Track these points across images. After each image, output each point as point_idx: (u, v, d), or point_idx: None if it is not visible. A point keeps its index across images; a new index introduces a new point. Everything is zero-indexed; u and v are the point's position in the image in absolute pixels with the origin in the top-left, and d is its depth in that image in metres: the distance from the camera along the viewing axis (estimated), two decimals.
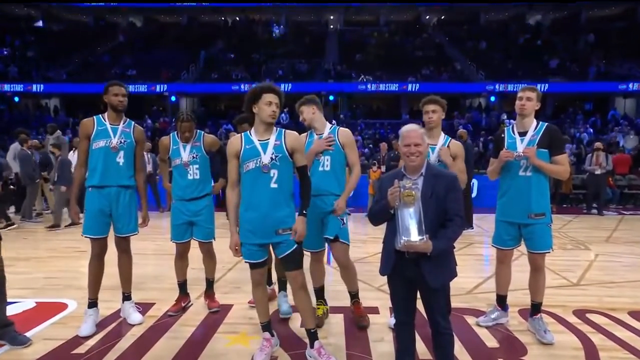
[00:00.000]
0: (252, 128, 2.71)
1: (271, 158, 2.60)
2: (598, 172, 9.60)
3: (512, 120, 15.29)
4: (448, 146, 3.18)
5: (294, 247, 2.66)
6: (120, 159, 3.25)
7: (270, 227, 2.61)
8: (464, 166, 3.25)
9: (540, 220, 3.06)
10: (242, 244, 2.67)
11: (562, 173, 3.06)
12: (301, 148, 2.72)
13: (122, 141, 3.27)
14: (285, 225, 2.62)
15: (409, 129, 2.31)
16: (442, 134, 3.24)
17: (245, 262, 2.72)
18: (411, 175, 2.29)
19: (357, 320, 3.32)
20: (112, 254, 3.39)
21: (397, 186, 2.17)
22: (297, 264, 2.68)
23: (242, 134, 2.72)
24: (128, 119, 3.39)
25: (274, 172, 2.59)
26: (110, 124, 3.28)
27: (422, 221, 2.13)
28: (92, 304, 3.29)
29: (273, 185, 2.58)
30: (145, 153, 10.05)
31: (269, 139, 2.64)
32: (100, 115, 3.33)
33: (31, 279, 4.53)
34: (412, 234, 2.13)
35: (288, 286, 3.30)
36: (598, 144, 10.09)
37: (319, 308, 3.39)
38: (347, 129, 3.30)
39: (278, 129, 2.70)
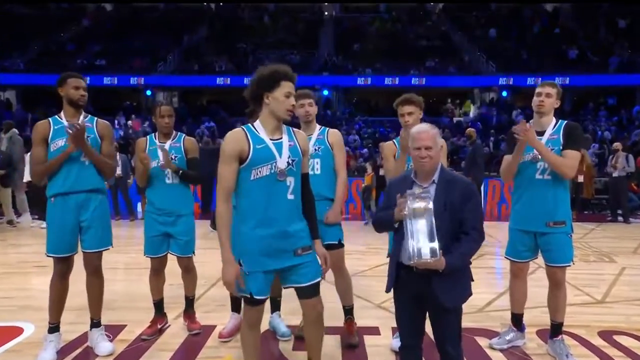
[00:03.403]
0: (256, 122, 2.41)
1: (288, 162, 2.34)
2: (616, 174, 9.68)
3: (523, 120, 15.37)
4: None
5: (320, 278, 2.44)
6: (86, 158, 3.16)
7: (288, 246, 2.34)
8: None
9: (560, 229, 3.06)
10: (251, 274, 2.33)
11: (564, 168, 3.00)
12: (308, 151, 2.56)
13: (85, 137, 3.15)
14: (303, 242, 2.37)
15: (420, 130, 2.29)
16: None
17: (242, 296, 2.38)
18: (422, 182, 2.28)
19: (346, 338, 3.34)
20: (78, 269, 3.32)
21: (405, 198, 2.14)
22: (318, 290, 2.46)
23: (244, 128, 2.38)
24: (89, 115, 3.32)
25: (290, 180, 2.34)
26: (69, 121, 3.17)
27: (435, 235, 2.09)
28: (53, 328, 3.21)
29: (290, 196, 2.33)
30: None
31: (281, 138, 2.38)
32: (56, 116, 3.24)
33: None
34: (424, 249, 2.09)
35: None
36: (617, 144, 10.19)
37: None
38: (336, 130, 3.35)
39: (285, 126, 2.47)
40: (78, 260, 3.27)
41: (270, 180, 2.31)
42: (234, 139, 2.32)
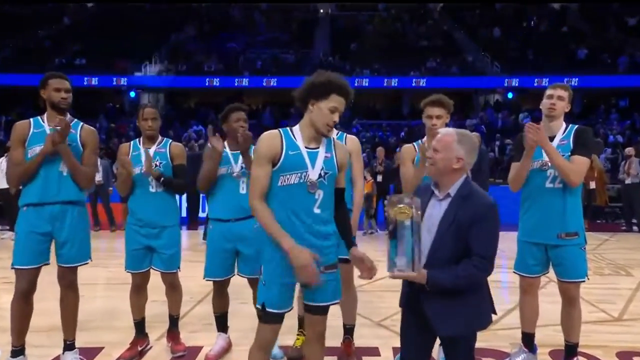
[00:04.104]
0: (295, 127, 2.43)
1: (320, 175, 2.34)
2: (629, 181, 9.71)
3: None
4: None
5: (338, 300, 2.45)
6: (65, 168, 3.13)
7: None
8: None
9: (573, 241, 3.04)
10: (267, 284, 2.36)
11: (571, 174, 2.95)
12: (346, 166, 2.53)
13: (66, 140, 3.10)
14: (327, 260, 2.36)
15: (442, 132, 2.26)
16: None
17: (267, 310, 2.34)
18: (439, 194, 2.22)
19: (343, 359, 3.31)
20: (49, 284, 3.24)
21: (392, 201, 2.12)
22: (327, 310, 2.48)
23: (280, 130, 2.40)
24: (75, 119, 3.28)
25: (319, 194, 2.33)
26: (50, 126, 3.15)
27: (418, 247, 2.06)
28: (17, 351, 3.12)
29: (316, 210, 2.33)
30: None
31: (318, 148, 2.39)
32: (38, 117, 3.23)
33: None
34: (399, 260, 2.08)
35: None
36: (629, 149, 10.23)
37: (298, 339, 3.41)
38: (355, 137, 3.34)
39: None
40: (49, 275, 3.20)
41: (297, 190, 2.31)
42: (268, 141, 2.34)
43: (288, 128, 2.43)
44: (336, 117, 2.33)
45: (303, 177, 2.31)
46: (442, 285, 2.07)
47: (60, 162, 3.12)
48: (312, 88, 2.33)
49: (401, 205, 2.08)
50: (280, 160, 2.31)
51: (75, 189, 3.17)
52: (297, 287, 2.46)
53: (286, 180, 2.31)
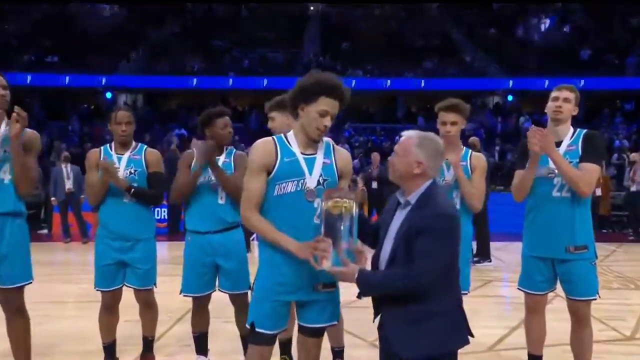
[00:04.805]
0: (290, 133, 2.42)
1: (318, 182, 2.32)
2: (634, 188, 9.81)
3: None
4: (470, 160, 3.22)
5: (335, 322, 2.44)
6: (6, 175, 2.94)
7: (309, 278, 2.30)
8: (483, 183, 3.24)
9: (582, 255, 2.99)
10: (258, 300, 2.35)
11: (581, 184, 2.90)
12: (350, 173, 2.53)
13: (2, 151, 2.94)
14: (327, 278, 2.31)
15: (403, 135, 2.27)
16: (461, 146, 3.26)
17: (257, 330, 2.31)
18: (402, 200, 2.22)
19: None
20: None
21: (329, 194, 2.15)
22: (323, 332, 2.47)
23: (274, 138, 2.40)
24: (7, 119, 3.03)
25: (319, 202, 2.28)
26: None
27: (342, 239, 2.10)
28: None
29: (316, 220, 2.28)
30: (63, 165, 9.83)
31: (315, 154, 2.38)
32: None
33: None
34: (332, 252, 2.10)
35: None
36: (635, 155, 10.35)
37: None
38: (343, 150, 3.27)
39: (325, 141, 2.43)
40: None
41: (295, 199, 2.30)
42: (261, 148, 2.35)
43: (282, 135, 2.43)
44: (327, 121, 2.29)
45: (300, 184, 2.30)
46: (370, 284, 2.10)
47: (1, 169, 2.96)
48: (300, 91, 2.32)
49: (337, 198, 2.11)
50: (275, 168, 2.30)
51: (15, 198, 3.00)
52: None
53: (282, 188, 2.30)
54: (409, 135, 2.23)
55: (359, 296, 2.17)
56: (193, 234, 3.34)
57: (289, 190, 2.29)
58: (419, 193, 2.16)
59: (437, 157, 2.20)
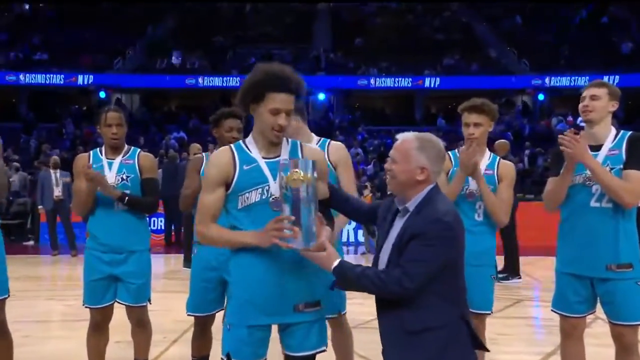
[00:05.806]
0: (249, 137, 2.39)
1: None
2: None
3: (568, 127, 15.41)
4: (497, 168, 3.21)
5: (324, 347, 2.35)
6: None
7: (286, 298, 2.25)
8: (510, 194, 3.21)
9: (626, 274, 2.89)
10: (230, 327, 2.27)
11: (624, 194, 2.83)
12: (326, 173, 2.49)
13: None
14: (310, 297, 2.28)
15: (399, 138, 2.22)
16: (488, 152, 3.26)
17: None
18: (400, 208, 2.20)
19: None
20: None
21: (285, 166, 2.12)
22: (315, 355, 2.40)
23: (232, 146, 2.37)
24: None
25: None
26: None
27: (313, 217, 2.08)
28: None
29: (275, 198, 2.26)
30: (52, 171, 9.90)
31: (278, 155, 2.33)
32: None
33: None
34: (298, 236, 2.07)
35: None
36: None
37: None
38: (340, 143, 3.25)
39: (291, 141, 2.41)
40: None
41: (260, 209, 2.25)
42: (215, 160, 2.33)
43: (241, 141, 2.40)
44: (282, 120, 2.23)
45: (265, 192, 2.25)
46: (345, 277, 2.09)
47: None
48: (246, 90, 2.27)
49: (295, 170, 2.07)
50: (235, 179, 2.26)
51: None
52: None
53: (246, 199, 2.26)
54: (405, 137, 2.19)
55: (332, 287, 2.17)
56: (201, 246, 3.31)
57: (254, 201, 2.25)
58: (419, 199, 2.15)
59: (440, 159, 2.19)
